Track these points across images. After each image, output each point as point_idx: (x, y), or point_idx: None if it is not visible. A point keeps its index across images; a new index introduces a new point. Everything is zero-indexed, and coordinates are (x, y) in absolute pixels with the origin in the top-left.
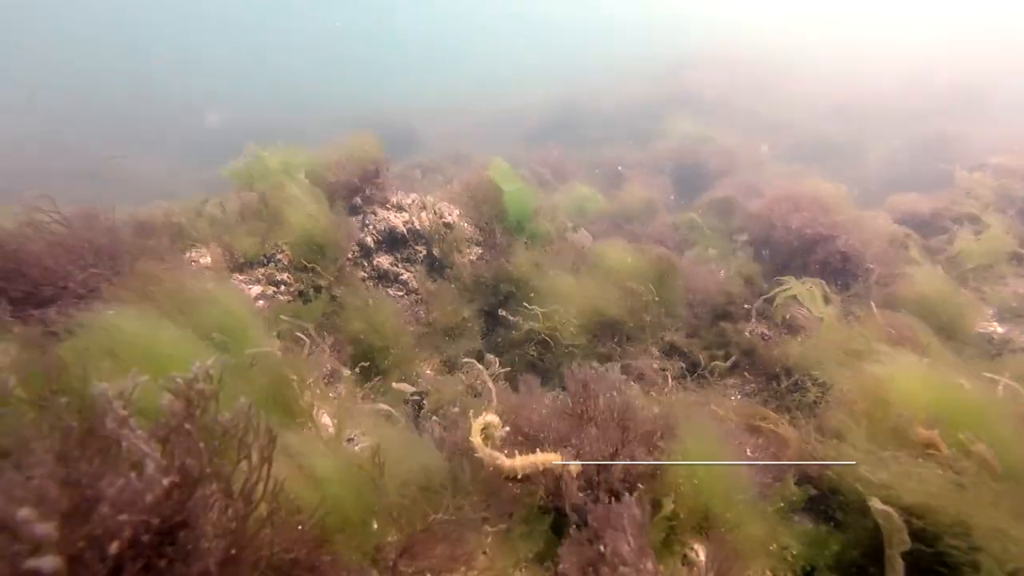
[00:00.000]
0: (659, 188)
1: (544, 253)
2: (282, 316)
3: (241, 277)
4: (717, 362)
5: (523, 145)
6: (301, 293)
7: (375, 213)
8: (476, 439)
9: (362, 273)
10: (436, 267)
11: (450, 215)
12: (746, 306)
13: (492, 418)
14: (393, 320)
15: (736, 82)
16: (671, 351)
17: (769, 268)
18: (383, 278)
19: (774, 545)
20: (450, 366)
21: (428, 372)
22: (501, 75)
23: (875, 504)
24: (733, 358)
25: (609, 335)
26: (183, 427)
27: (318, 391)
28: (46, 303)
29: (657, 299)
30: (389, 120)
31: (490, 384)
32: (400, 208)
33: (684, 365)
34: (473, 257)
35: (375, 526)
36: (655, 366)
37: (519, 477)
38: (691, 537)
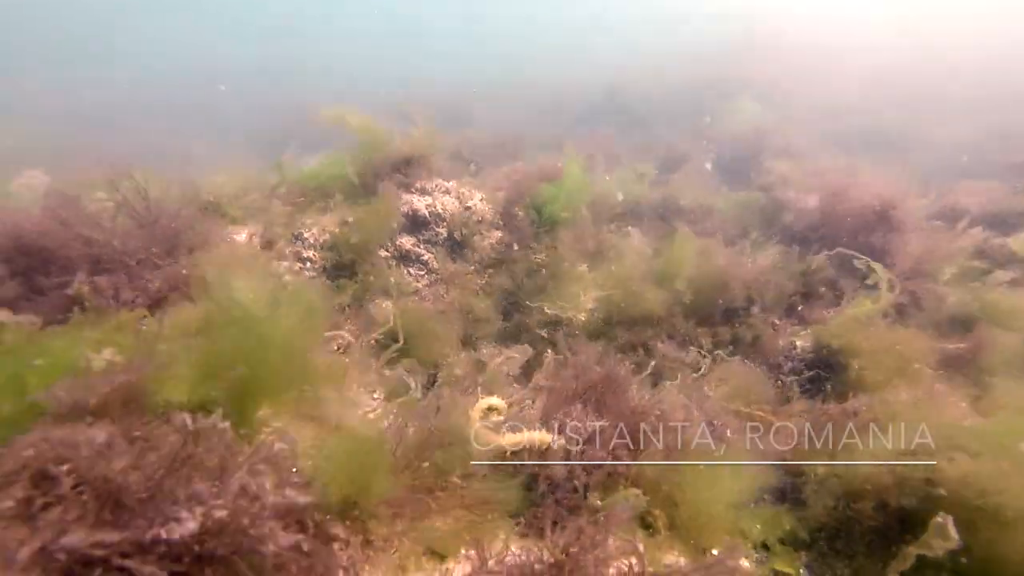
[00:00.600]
0: (707, 173)
1: (569, 239)
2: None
3: (270, 254)
4: (720, 351)
5: (572, 127)
6: (325, 270)
7: (399, 196)
8: (474, 415)
9: (385, 252)
10: (456, 249)
11: (472, 200)
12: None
13: (497, 401)
14: (407, 303)
15: (791, 69)
16: (686, 340)
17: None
18: (404, 258)
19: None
20: (465, 345)
21: (445, 350)
22: (552, 59)
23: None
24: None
25: (624, 323)
26: None
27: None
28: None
29: (676, 288)
30: (442, 100)
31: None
32: (424, 192)
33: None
34: (493, 240)
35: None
36: (687, 358)
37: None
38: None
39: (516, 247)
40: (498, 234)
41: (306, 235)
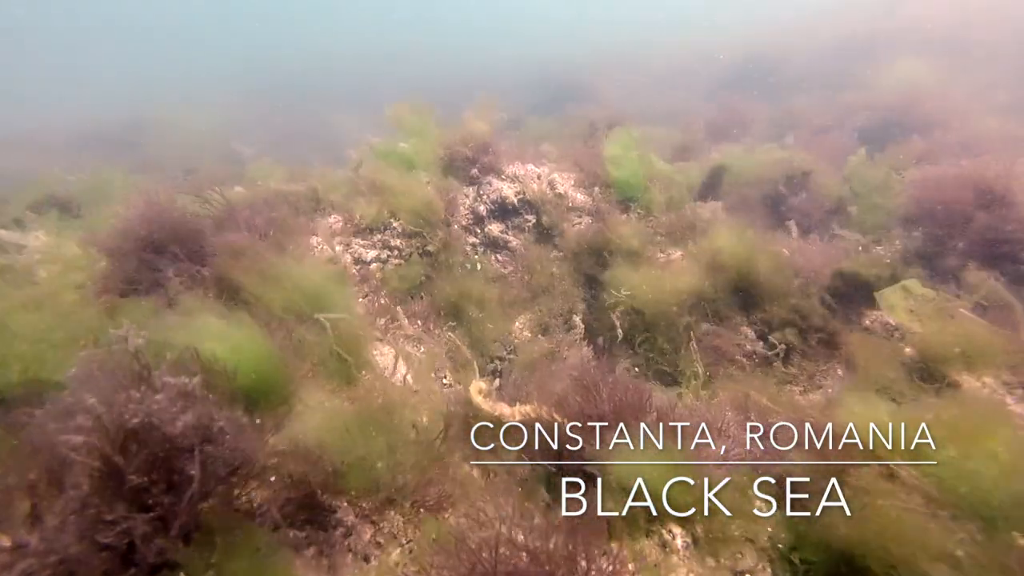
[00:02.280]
0: (836, 145)
1: (652, 224)
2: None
3: (361, 241)
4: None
5: (701, 99)
6: (410, 257)
7: (490, 183)
8: (475, 396)
9: (473, 239)
10: (544, 235)
11: (562, 186)
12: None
13: (481, 384)
14: (482, 286)
15: (970, 17)
16: (764, 334)
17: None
18: (492, 245)
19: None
20: (544, 329)
21: (526, 334)
22: (683, 27)
23: None
24: (781, 347)
25: (700, 312)
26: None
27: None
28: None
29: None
30: (561, 74)
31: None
32: (514, 179)
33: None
34: (581, 226)
35: (379, 465)
36: (746, 348)
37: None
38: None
39: (600, 231)
40: (587, 219)
41: (394, 224)
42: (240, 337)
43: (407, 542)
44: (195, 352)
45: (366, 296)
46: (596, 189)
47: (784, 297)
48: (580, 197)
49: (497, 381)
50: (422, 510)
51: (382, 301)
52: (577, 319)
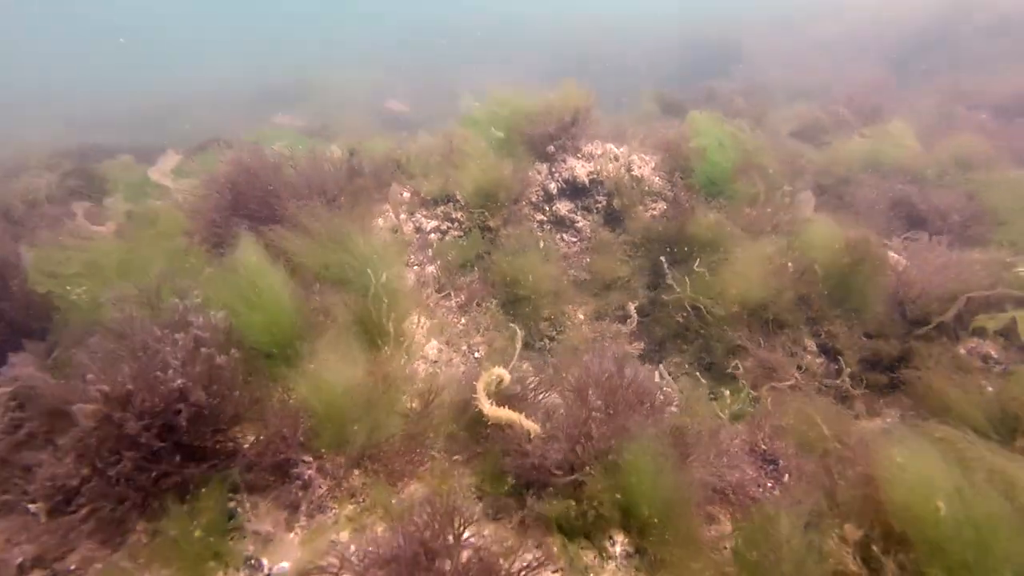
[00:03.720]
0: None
1: (733, 216)
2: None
3: (424, 212)
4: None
5: (872, 68)
6: (470, 231)
7: (564, 161)
8: (480, 385)
9: (541, 216)
10: (614, 218)
11: (640, 168)
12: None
13: (502, 372)
14: (540, 267)
15: None
16: (828, 347)
17: None
18: (559, 224)
19: None
20: (600, 315)
21: (580, 317)
22: None
23: None
24: (847, 370)
25: (760, 318)
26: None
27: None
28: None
29: (835, 288)
30: (705, 36)
31: (518, 344)
32: (589, 157)
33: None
34: (656, 212)
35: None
36: (806, 359)
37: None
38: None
39: (676, 218)
40: (662, 205)
41: (457, 196)
42: (260, 293)
43: (363, 501)
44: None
45: (420, 265)
46: (678, 174)
47: (870, 311)
48: (659, 181)
49: (522, 365)
50: (382, 476)
51: (433, 271)
52: (632, 308)
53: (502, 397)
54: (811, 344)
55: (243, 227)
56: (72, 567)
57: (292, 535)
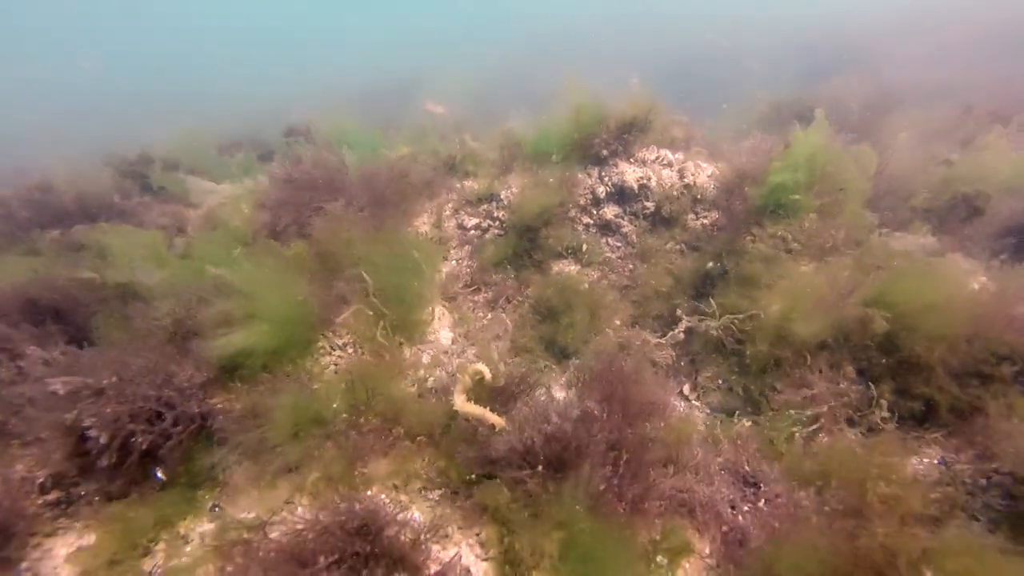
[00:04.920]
0: None
1: (791, 231)
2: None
3: (469, 209)
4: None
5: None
6: (511, 229)
7: (616, 165)
8: (463, 377)
9: (587, 219)
10: (662, 225)
11: (694, 176)
12: None
13: (482, 368)
14: (579, 268)
15: None
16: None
17: None
18: (604, 228)
19: None
20: (636, 322)
21: (616, 322)
22: None
23: None
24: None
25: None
26: None
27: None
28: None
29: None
30: (827, 38)
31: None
32: (642, 163)
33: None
34: (707, 221)
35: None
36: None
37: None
38: None
39: (728, 229)
40: (714, 215)
41: (502, 196)
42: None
43: (329, 471)
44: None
45: (458, 261)
46: (735, 183)
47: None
48: (713, 190)
49: (501, 368)
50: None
51: (469, 267)
52: (681, 323)
53: (493, 390)
54: (850, 370)
55: (305, 217)
56: (83, 492)
57: (256, 492)
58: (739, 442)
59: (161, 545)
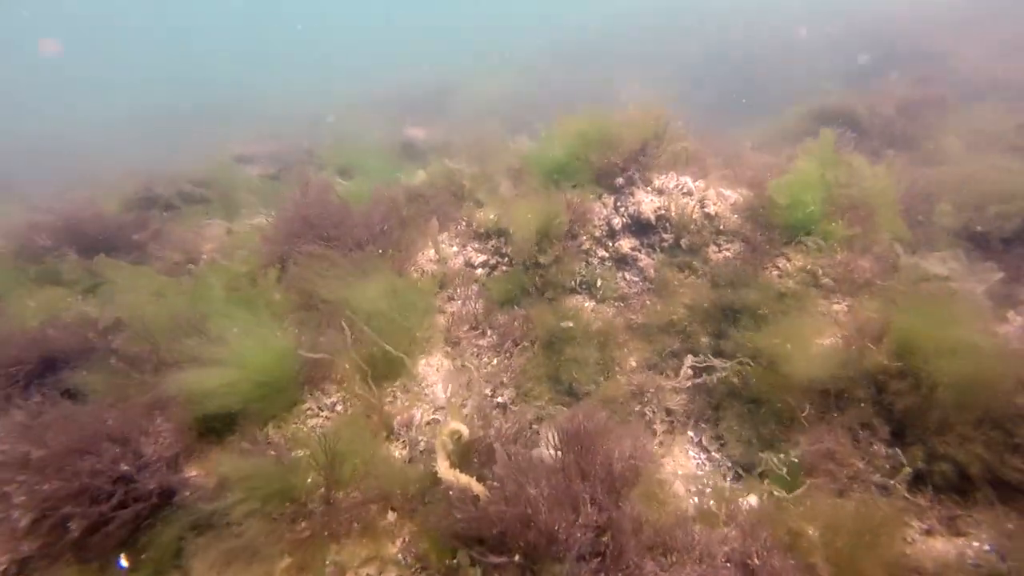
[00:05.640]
0: None
1: (821, 263)
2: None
3: (476, 245)
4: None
5: None
6: (519, 265)
7: (632, 195)
8: (440, 438)
9: (603, 252)
10: (681, 259)
11: (716, 205)
12: None
13: (458, 427)
14: (592, 305)
15: None
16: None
17: None
18: (620, 261)
19: None
20: (652, 364)
21: (632, 363)
22: None
23: None
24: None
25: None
26: None
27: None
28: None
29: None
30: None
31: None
32: (660, 192)
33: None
34: (728, 254)
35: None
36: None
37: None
38: None
39: (750, 262)
40: (737, 246)
41: (511, 231)
42: (256, 341)
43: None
44: None
45: (462, 300)
46: (761, 211)
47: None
48: (736, 220)
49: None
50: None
51: (473, 308)
52: (687, 364)
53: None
54: (883, 430)
55: (298, 252)
56: None
57: None
58: (748, 526)
59: None
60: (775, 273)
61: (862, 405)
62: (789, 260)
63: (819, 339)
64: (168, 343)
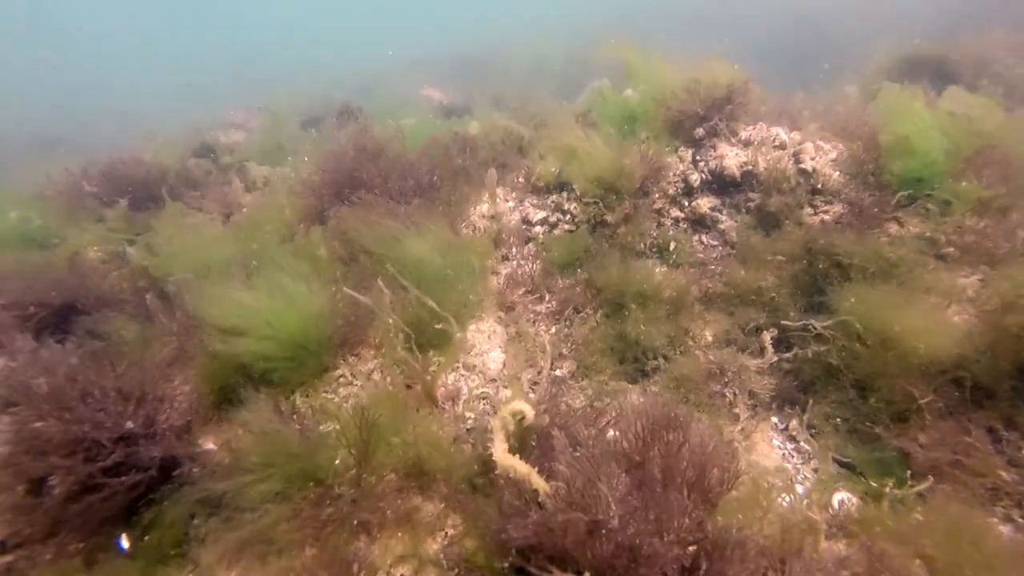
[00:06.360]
0: None
1: (943, 230)
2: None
3: (534, 200)
4: None
5: None
6: (584, 224)
7: (714, 148)
8: (501, 418)
9: (677, 213)
10: (769, 221)
11: (813, 160)
12: None
13: (523, 406)
14: (664, 271)
15: None
16: None
17: None
18: (697, 223)
19: None
20: (733, 340)
21: (708, 337)
22: None
23: None
24: None
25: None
26: None
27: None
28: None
29: None
30: None
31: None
32: (746, 144)
33: None
34: (827, 217)
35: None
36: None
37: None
38: None
39: (854, 227)
40: (838, 208)
41: (574, 186)
42: (288, 296)
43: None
44: None
45: (517, 261)
46: (870, 167)
47: None
48: (838, 177)
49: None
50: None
51: (530, 270)
52: (768, 340)
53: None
54: None
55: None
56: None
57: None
58: (875, 551)
59: None
60: (884, 240)
61: (1007, 401)
62: (902, 225)
63: (945, 317)
64: (198, 295)
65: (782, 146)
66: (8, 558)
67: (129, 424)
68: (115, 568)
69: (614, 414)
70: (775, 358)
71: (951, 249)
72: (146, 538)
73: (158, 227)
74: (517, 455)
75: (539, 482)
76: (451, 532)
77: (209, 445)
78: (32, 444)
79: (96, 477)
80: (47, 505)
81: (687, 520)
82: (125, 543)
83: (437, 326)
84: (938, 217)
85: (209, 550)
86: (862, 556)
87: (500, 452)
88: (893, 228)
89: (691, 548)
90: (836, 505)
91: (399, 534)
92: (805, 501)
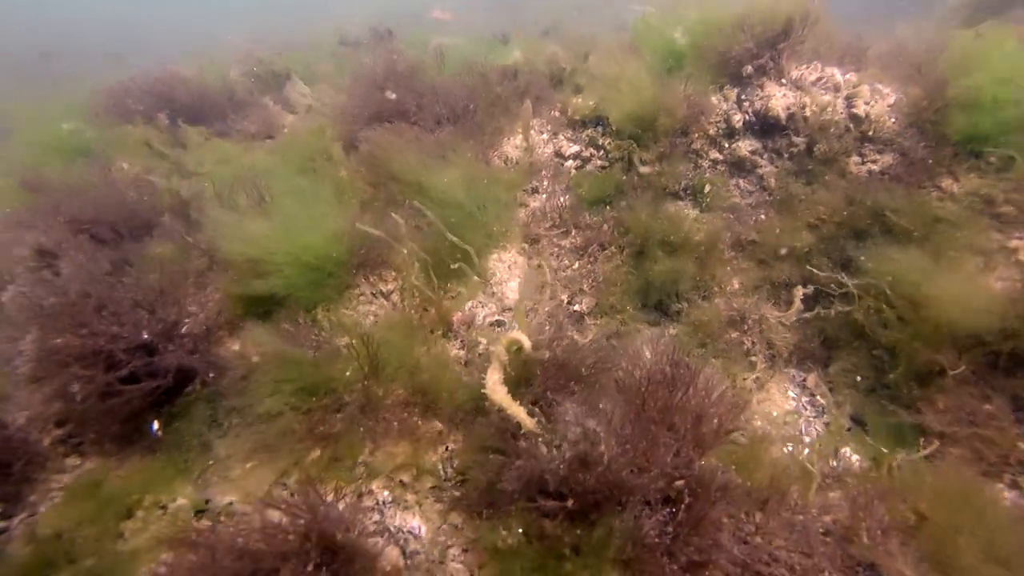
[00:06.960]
0: None
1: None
2: None
3: (569, 133)
4: None
5: None
6: (618, 161)
7: (761, 88)
8: (497, 348)
9: (715, 154)
10: (812, 168)
11: (866, 105)
12: None
13: (519, 336)
14: (695, 214)
15: None
16: None
17: None
18: (736, 166)
19: None
20: (759, 289)
21: (735, 285)
22: None
23: None
24: None
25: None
26: None
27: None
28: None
29: None
30: None
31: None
32: (796, 85)
33: None
34: (875, 167)
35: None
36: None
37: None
38: None
39: (904, 180)
40: (888, 158)
41: (612, 120)
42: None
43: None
44: None
45: (548, 195)
46: (932, 115)
47: None
48: (892, 124)
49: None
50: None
51: (559, 204)
52: (800, 294)
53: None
54: None
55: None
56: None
57: (240, 469)
58: (862, 497)
59: (140, 512)
60: (934, 194)
61: None
62: (957, 180)
63: (987, 281)
64: (228, 215)
65: (836, 88)
66: (59, 432)
67: (145, 335)
68: (146, 445)
69: (621, 352)
70: (802, 314)
71: (1009, 208)
72: (174, 425)
73: (191, 149)
74: (516, 385)
75: (528, 421)
76: (451, 447)
77: (235, 347)
78: (54, 358)
79: (114, 385)
80: (73, 407)
81: (675, 457)
82: (157, 427)
83: (456, 261)
84: (999, 173)
85: (227, 444)
86: (847, 503)
87: (491, 383)
88: (946, 182)
89: (679, 483)
90: (837, 459)
91: (401, 444)
92: (806, 451)
